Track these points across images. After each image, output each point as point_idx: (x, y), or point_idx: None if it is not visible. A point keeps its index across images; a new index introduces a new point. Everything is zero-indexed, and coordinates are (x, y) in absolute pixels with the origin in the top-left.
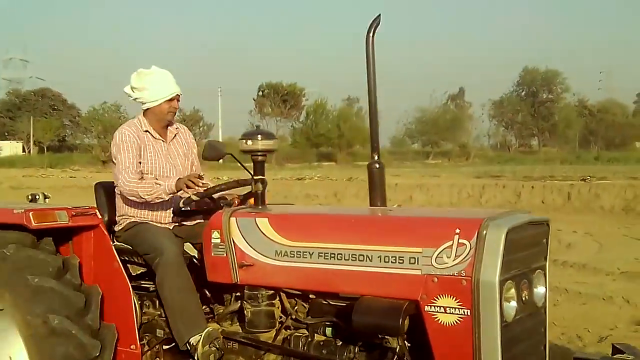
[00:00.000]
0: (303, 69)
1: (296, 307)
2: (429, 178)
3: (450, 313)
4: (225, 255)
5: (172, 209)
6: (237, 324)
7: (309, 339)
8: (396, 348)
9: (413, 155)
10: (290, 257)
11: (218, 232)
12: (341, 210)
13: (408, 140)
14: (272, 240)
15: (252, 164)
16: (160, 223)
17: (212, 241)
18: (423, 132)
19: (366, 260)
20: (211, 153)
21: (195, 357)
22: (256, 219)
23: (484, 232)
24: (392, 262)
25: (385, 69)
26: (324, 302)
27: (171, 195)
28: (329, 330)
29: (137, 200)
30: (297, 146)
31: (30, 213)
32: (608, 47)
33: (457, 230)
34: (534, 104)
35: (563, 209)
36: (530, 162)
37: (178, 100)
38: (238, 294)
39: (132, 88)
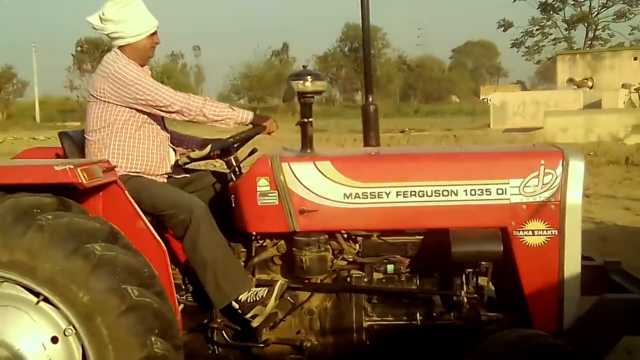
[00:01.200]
0: None
1: (354, 248)
2: None
3: (538, 235)
4: (277, 203)
5: (167, 158)
6: (272, 272)
7: (369, 277)
8: (480, 274)
9: None
10: (363, 198)
11: (266, 180)
12: (408, 149)
13: (234, 96)
14: (339, 183)
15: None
16: (155, 175)
17: (259, 189)
18: (249, 88)
19: (451, 195)
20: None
21: (247, 315)
22: (316, 162)
23: (568, 161)
24: (479, 194)
25: (213, 25)
26: (382, 240)
27: (235, 125)
28: (389, 267)
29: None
30: None
31: (79, 169)
32: (425, 3)
33: (542, 162)
34: (357, 60)
35: None
36: (355, 116)
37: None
38: (264, 242)
39: (103, 20)
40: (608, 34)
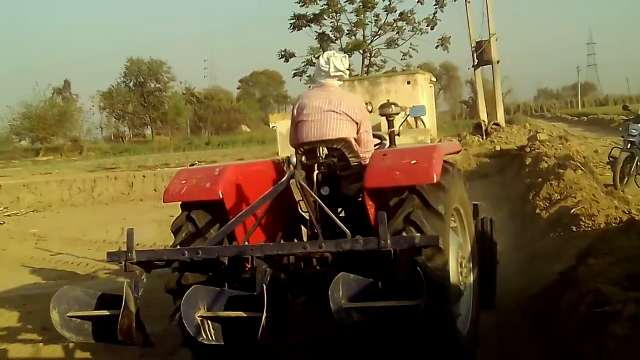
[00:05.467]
0: None
1: None
2: (39, 176)
3: None
4: None
5: None
6: None
7: None
8: None
9: (22, 152)
10: None
11: None
12: None
13: (15, 137)
14: None
15: None
16: None
17: None
18: (30, 128)
19: None
20: None
21: None
22: None
23: None
24: None
25: None
26: None
27: None
28: None
29: None
30: None
31: None
32: (208, 36)
33: None
34: (143, 94)
35: None
36: (145, 151)
37: None
38: None
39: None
40: (382, 60)
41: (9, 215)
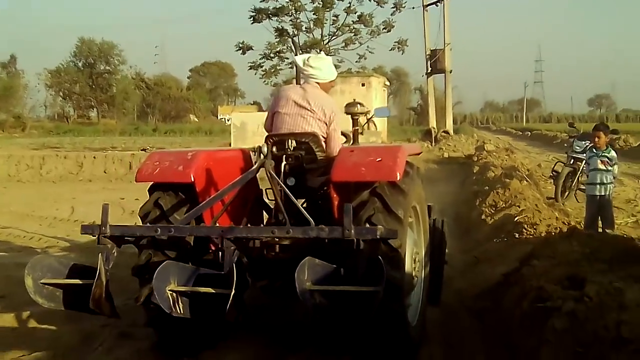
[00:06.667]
0: None
1: None
2: None
3: None
4: None
5: None
6: None
7: None
8: None
9: None
10: None
11: None
12: None
13: None
14: None
15: None
16: None
17: None
18: None
19: None
20: None
21: None
22: None
23: None
24: None
25: None
26: None
27: None
28: None
29: None
30: None
31: None
32: (162, 23)
33: None
34: (92, 75)
35: (125, 178)
36: (90, 133)
37: None
38: None
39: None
40: (338, 60)
41: None
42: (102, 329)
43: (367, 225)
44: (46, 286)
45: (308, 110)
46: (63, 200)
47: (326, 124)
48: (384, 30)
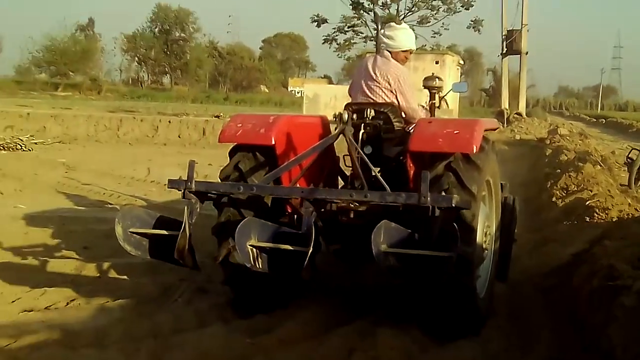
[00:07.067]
0: None
1: None
2: (60, 110)
3: None
4: None
5: None
6: None
7: None
8: None
9: (41, 85)
10: None
11: None
12: None
13: (35, 69)
14: None
15: None
16: None
17: None
18: (51, 62)
19: None
20: None
21: None
22: None
23: None
24: None
25: None
26: None
27: None
28: None
29: None
30: None
31: None
32: None
33: None
34: (167, 42)
35: (199, 143)
36: (163, 99)
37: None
38: None
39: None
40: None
41: (35, 143)
42: (181, 282)
43: (444, 192)
44: (134, 235)
45: (375, 79)
46: (139, 161)
47: (393, 92)
48: (462, 7)
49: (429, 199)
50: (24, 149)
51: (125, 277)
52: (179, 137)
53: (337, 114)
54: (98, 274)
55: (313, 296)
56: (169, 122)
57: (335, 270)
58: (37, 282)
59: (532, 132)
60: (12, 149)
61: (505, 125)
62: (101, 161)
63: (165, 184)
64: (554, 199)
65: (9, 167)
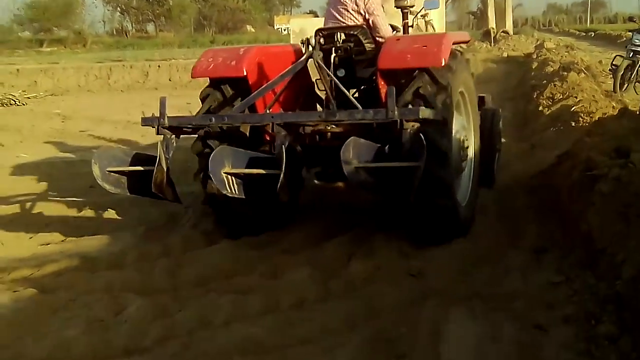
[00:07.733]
0: None
1: None
2: (49, 64)
3: None
4: None
5: None
6: None
7: None
8: None
9: (25, 43)
10: None
11: None
12: None
13: (17, 27)
14: None
15: None
16: None
17: None
18: (34, 19)
19: None
20: None
21: None
22: None
23: None
24: None
25: None
26: None
27: None
28: None
29: None
30: None
31: None
32: None
33: None
34: None
35: (190, 85)
36: (149, 46)
37: None
38: None
39: None
40: None
41: (28, 98)
42: (186, 210)
43: (414, 99)
44: (112, 174)
45: (343, 3)
46: (133, 106)
47: (361, 14)
48: None
49: (396, 112)
50: (18, 103)
51: (133, 208)
52: (170, 80)
53: (304, 39)
54: (107, 208)
55: (313, 214)
56: (159, 66)
57: (327, 191)
58: (51, 220)
59: (519, 49)
60: (6, 104)
61: (493, 44)
62: (95, 109)
63: None
64: (540, 108)
65: (6, 121)
